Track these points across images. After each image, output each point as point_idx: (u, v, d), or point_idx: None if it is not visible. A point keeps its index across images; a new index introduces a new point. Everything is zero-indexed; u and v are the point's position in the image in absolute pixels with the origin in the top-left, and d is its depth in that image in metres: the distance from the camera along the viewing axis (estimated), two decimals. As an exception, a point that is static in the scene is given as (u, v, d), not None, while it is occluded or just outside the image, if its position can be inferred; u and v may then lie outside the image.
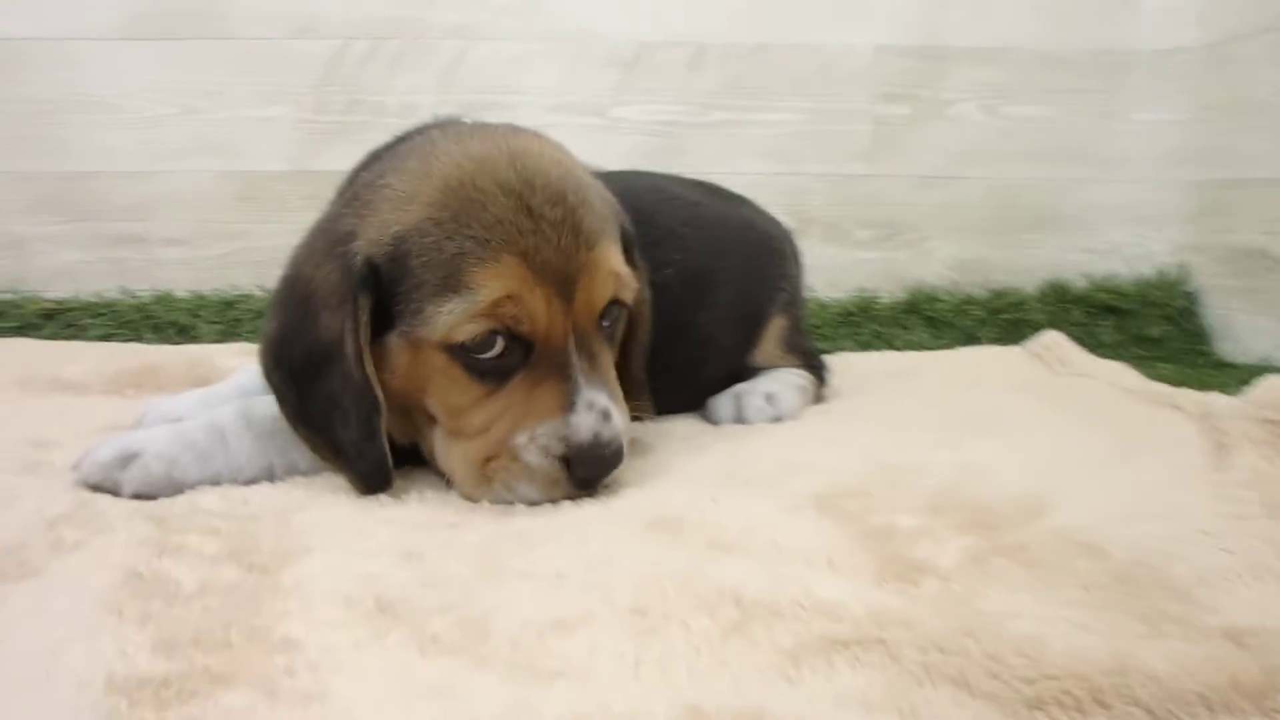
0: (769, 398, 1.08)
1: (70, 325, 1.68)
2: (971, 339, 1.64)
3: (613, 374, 0.80)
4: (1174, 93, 1.65)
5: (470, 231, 0.72)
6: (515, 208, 0.73)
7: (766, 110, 1.71)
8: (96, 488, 0.77)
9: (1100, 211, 1.73)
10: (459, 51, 1.69)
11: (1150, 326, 1.60)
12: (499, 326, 0.72)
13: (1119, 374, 1.26)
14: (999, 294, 1.70)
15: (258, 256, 1.76)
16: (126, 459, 0.77)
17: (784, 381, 1.12)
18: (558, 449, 0.73)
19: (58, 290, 1.75)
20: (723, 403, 1.09)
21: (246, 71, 1.70)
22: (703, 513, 0.70)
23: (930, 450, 0.89)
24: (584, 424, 0.73)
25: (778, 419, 1.07)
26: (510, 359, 0.74)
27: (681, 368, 1.07)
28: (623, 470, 0.78)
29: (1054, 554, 0.61)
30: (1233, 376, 1.34)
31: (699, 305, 1.07)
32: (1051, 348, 1.41)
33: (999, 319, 1.65)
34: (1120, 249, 1.73)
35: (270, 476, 0.82)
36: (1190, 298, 1.62)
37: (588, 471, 0.73)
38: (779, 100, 1.70)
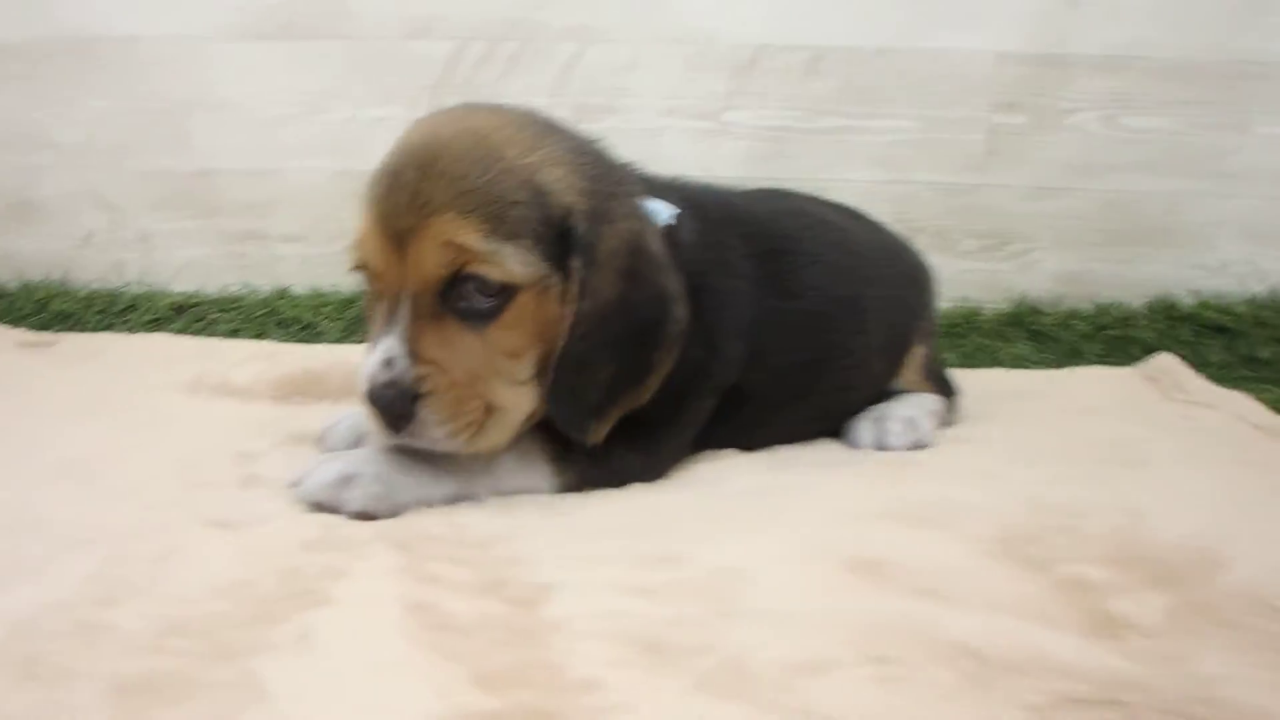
0: (909, 423, 1.15)
1: (199, 319, 1.79)
2: (1075, 353, 1.69)
3: (450, 344, 0.84)
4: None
5: (369, 182, 0.89)
6: (388, 169, 0.86)
7: (879, 117, 1.76)
8: (318, 506, 0.85)
9: (1214, 227, 1.76)
10: (574, 53, 1.75)
11: (1260, 348, 1.64)
12: (359, 262, 0.89)
13: (1240, 404, 1.32)
14: (1104, 309, 1.74)
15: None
16: (347, 479, 0.84)
17: (920, 406, 1.19)
18: (362, 387, 0.85)
19: (183, 284, 1.86)
20: (863, 427, 1.16)
21: (365, 72, 1.78)
22: (898, 555, 0.78)
23: (1084, 488, 0.96)
24: (369, 363, 0.84)
25: (918, 445, 1.14)
26: (375, 285, 0.89)
27: (830, 394, 1.14)
28: (770, 493, 0.92)
29: (1245, 614, 0.69)
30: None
31: (850, 331, 1.14)
32: (1168, 372, 1.47)
33: (1104, 334, 1.70)
34: (1231, 266, 1.76)
35: (474, 497, 0.90)
36: (1305, 318, 1.66)
37: (374, 410, 0.84)
38: (893, 107, 1.75)
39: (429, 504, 0.87)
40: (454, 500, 0.89)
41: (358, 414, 1.07)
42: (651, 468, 0.98)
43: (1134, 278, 1.77)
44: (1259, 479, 0.99)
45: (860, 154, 1.76)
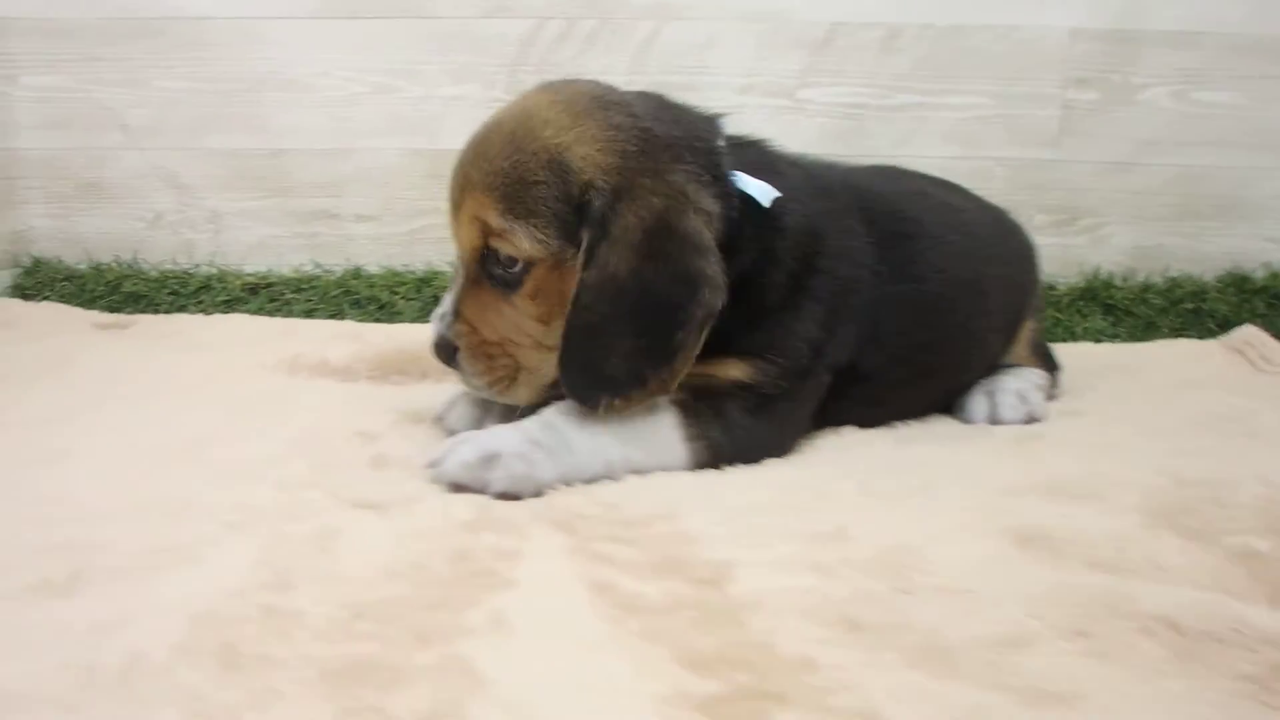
0: (1021, 397, 1.17)
1: (274, 300, 1.80)
2: (1151, 327, 1.71)
3: (485, 308, 0.96)
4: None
5: None
6: (462, 147, 0.97)
7: (954, 94, 1.76)
8: (460, 486, 0.86)
9: (1283, 200, 1.78)
10: (652, 31, 1.75)
11: (1335, 318, 1.67)
12: None
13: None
14: (1177, 283, 1.76)
15: (444, 233, 1.84)
16: (489, 459, 0.85)
17: (1028, 380, 1.21)
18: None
19: (254, 264, 1.87)
20: (977, 402, 1.18)
21: (441, 51, 1.77)
22: (1062, 528, 0.79)
23: (1214, 460, 0.98)
24: (434, 315, 0.99)
25: (1030, 419, 1.16)
26: None
27: (950, 373, 1.17)
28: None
29: None
30: None
31: (971, 312, 1.16)
32: (1253, 343, 1.49)
33: (1179, 308, 1.72)
34: (1302, 238, 1.78)
35: (610, 474, 0.91)
36: (1375, 291, 1.69)
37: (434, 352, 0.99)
38: (968, 83, 1.75)
39: (568, 482, 0.89)
40: (593, 479, 0.90)
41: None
42: (779, 443, 1.01)
43: (1205, 251, 1.79)
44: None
45: (935, 130, 1.77)
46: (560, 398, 0.95)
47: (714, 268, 0.91)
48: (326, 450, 0.99)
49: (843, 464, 0.99)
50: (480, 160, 0.93)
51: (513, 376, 0.96)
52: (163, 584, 0.68)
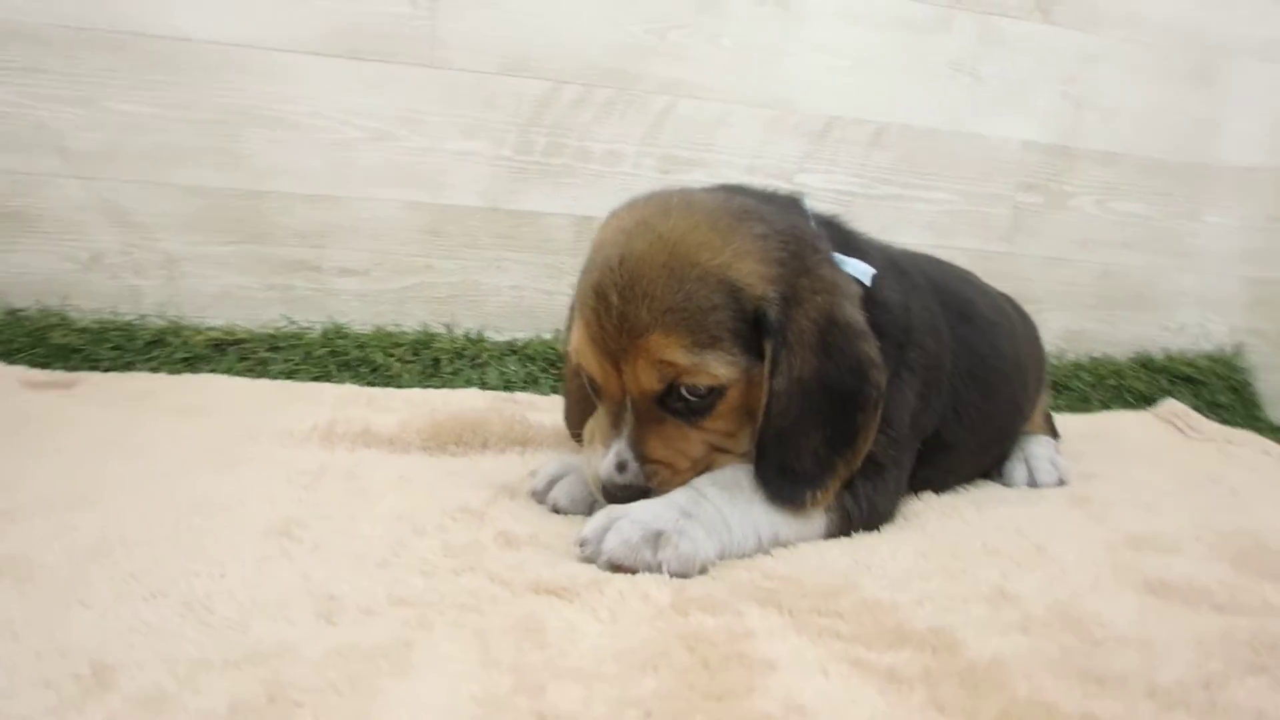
0: (1051, 462, 1.31)
1: (245, 358, 1.61)
2: (1084, 400, 1.99)
3: (671, 442, 0.94)
4: (1244, 202, 2.11)
5: (580, 294, 0.97)
6: (598, 284, 0.92)
7: (929, 189, 1.97)
8: (619, 567, 0.81)
9: (1176, 296, 2.15)
10: (667, 105, 1.81)
11: (1220, 395, 2.03)
12: (579, 368, 0.99)
13: (1256, 440, 1.64)
14: (1099, 363, 2.06)
15: (438, 293, 1.77)
16: (653, 538, 0.82)
17: (1050, 447, 1.36)
18: (592, 473, 0.96)
19: (215, 317, 1.67)
20: (1016, 467, 1.31)
21: (449, 102, 1.72)
22: (1179, 577, 0.89)
23: (1229, 515, 1.15)
24: (604, 465, 0.94)
25: (1060, 481, 1.29)
26: (596, 390, 0.99)
27: (1004, 440, 1.30)
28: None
29: None
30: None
31: (1018, 384, 1.29)
32: (1179, 414, 1.79)
33: (1105, 384, 2.01)
34: (1188, 328, 2.16)
35: (761, 548, 0.90)
36: (1247, 372, 2.07)
37: (603, 497, 0.95)
38: (940, 181, 1.97)
39: (723, 558, 0.87)
40: (746, 554, 0.90)
41: (566, 462, 1.05)
42: (891, 509, 1.05)
43: (1119, 336, 2.12)
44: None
45: (913, 220, 1.96)
46: None
47: (874, 348, 0.95)
48: (441, 531, 0.91)
49: (949, 529, 1.05)
50: (643, 300, 0.90)
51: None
52: (392, 704, 0.58)
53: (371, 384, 1.63)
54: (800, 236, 0.96)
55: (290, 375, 1.61)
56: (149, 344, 1.58)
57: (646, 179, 1.81)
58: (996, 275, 2.01)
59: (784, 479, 0.92)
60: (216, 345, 1.61)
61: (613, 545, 0.82)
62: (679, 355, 0.89)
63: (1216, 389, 2.04)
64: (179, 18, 1.59)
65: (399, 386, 1.63)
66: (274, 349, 1.63)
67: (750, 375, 0.92)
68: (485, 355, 1.71)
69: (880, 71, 1.92)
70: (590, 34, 1.76)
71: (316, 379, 1.61)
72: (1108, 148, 2.05)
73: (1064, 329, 2.09)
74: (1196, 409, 1.99)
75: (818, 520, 0.96)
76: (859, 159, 1.92)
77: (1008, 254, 2.03)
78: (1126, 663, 0.70)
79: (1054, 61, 2.01)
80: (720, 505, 0.88)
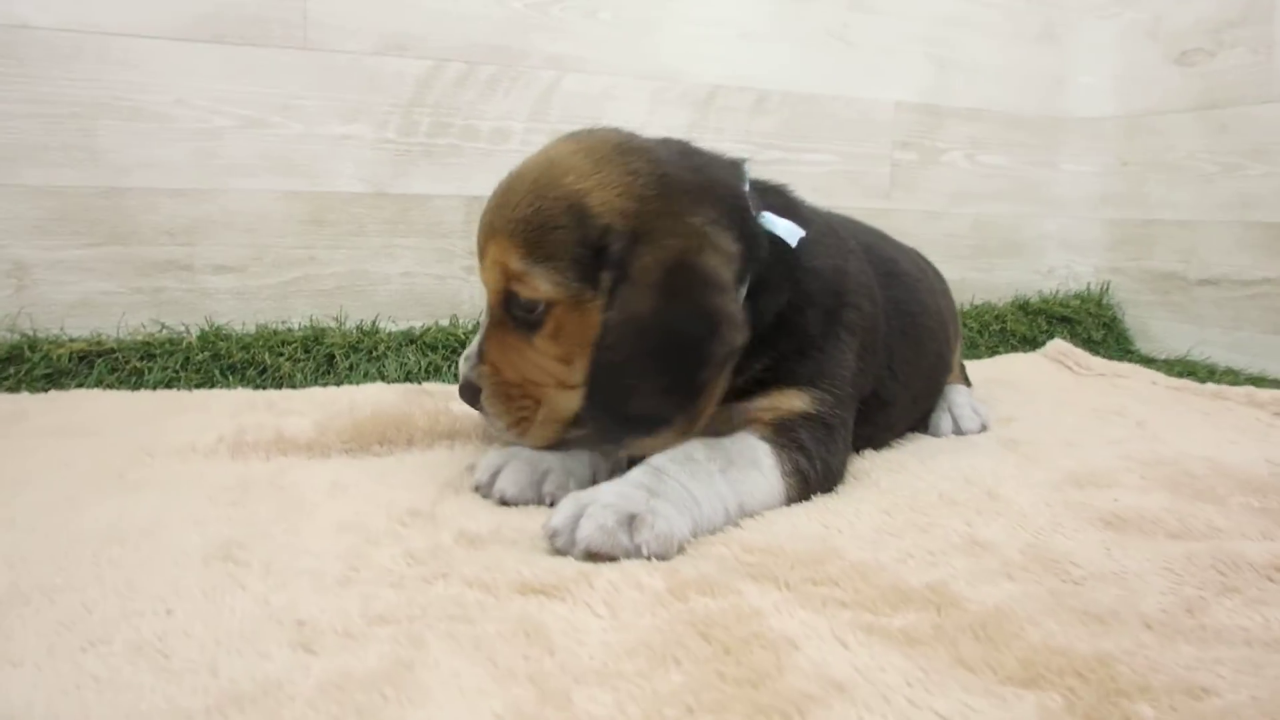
0: (973, 410, 1.38)
1: (116, 369, 1.50)
2: (973, 345, 2.10)
3: (507, 350, 1.00)
4: (1097, 150, 2.28)
5: None
6: (490, 193, 1.02)
7: (812, 151, 2.04)
8: (596, 555, 0.79)
9: (1042, 240, 2.31)
10: (553, 81, 1.80)
11: (1093, 331, 2.19)
12: None
13: (1142, 373, 1.78)
14: (980, 309, 2.19)
15: (324, 285, 1.71)
16: (628, 521, 0.81)
17: (968, 395, 1.42)
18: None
19: (76, 327, 1.55)
20: (941, 418, 1.36)
21: (325, 86, 1.65)
22: (1128, 510, 0.95)
23: (1146, 445, 1.24)
24: (462, 357, 1.06)
25: (984, 427, 1.36)
26: None
27: (934, 394, 1.35)
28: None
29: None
30: (1161, 368, 1.95)
31: (941, 338, 1.35)
32: (1066, 353, 1.92)
33: (989, 330, 2.14)
34: (1055, 271, 2.32)
35: (729, 520, 0.90)
36: (1115, 309, 2.25)
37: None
38: (822, 143, 2.05)
39: (696, 535, 0.87)
40: (716, 528, 0.89)
41: (505, 451, 1.02)
42: (841, 470, 1.06)
43: (996, 282, 2.25)
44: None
45: (797, 182, 1.99)
46: (571, 443, 0.99)
47: (733, 305, 0.93)
48: (396, 539, 0.86)
49: (900, 483, 1.07)
50: (503, 208, 0.97)
51: (531, 417, 1.00)
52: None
53: (261, 387, 1.55)
54: (684, 185, 0.96)
55: (169, 384, 1.50)
56: (3, 361, 1.45)
57: (535, 156, 1.79)
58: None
59: (612, 417, 0.92)
60: (82, 357, 1.49)
61: (588, 532, 0.79)
62: (512, 260, 0.95)
63: (1090, 326, 2.20)
64: (20, 3, 1.46)
65: (293, 387, 1.56)
66: (147, 357, 1.52)
67: (580, 301, 0.93)
68: (382, 347, 1.65)
69: (759, 40, 1.97)
70: (471, 10, 1.73)
71: (199, 386, 1.52)
72: (972, 104, 2.18)
73: (948, 279, 2.20)
74: (1075, 346, 2.14)
75: (778, 486, 0.96)
76: (743, 126, 1.97)
77: (887, 210, 2.12)
78: (1111, 598, 0.74)
79: (919, 25, 2.11)
80: (684, 481, 0.88)
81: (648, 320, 0.90)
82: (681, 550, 0.83)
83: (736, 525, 0.90)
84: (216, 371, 1.55)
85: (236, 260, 1.64)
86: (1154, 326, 2.20)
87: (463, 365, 1.04)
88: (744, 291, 0.99)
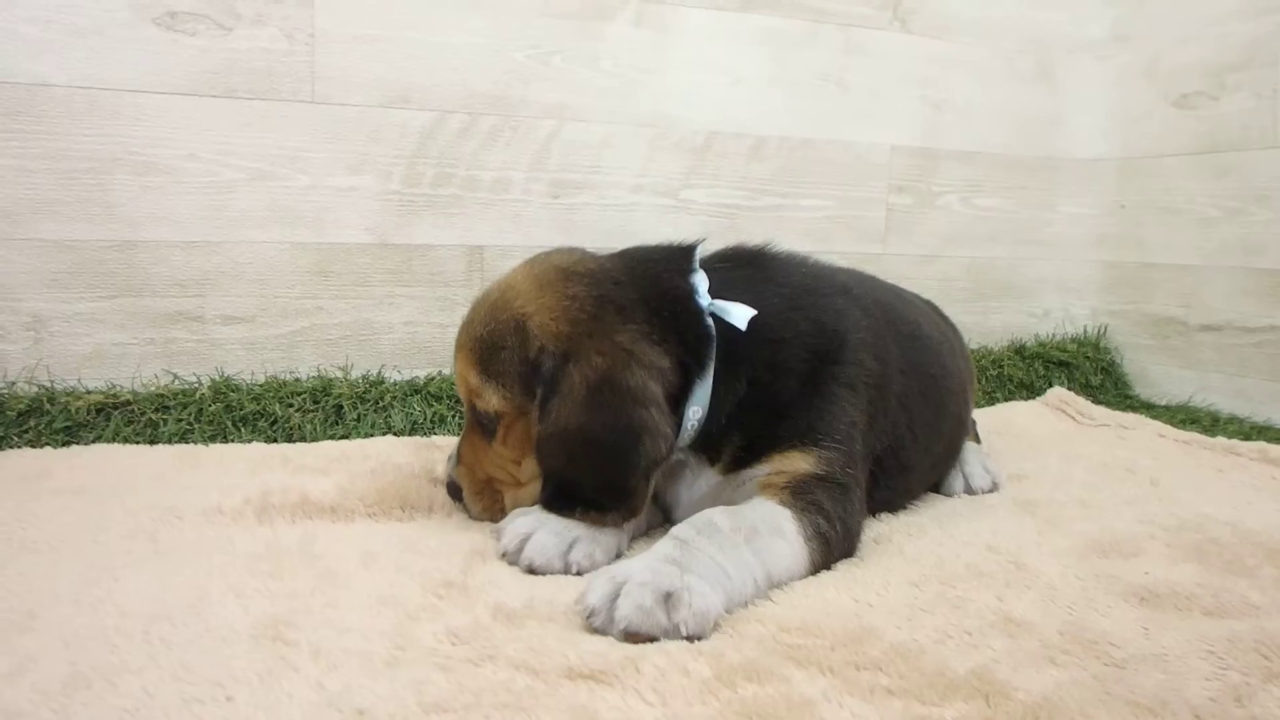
0: (984, 469, 1.40)
1: (131, 422, 1.56)
2: (968, 388, 2.15)
3: (476, 450, 1.15)
4: (1092, 191, 2.33)
5: None
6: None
7: (806, 196, 2.10)
8: (633, 636, 0.81)
9: (1038, 283, 2.36)
10: (552, 130, 1.86)
11: (1091, 376, 2.24)
12: None
13: (1146, 424, 1.80)
14: (978, 354, 2.24)
15: (330, 334, 1.77)
16: (665, 598, 0.82)
17: (979, 453, 1.45)
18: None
19: (90, 379, 1.62)
20: (955, 478, 1.39)
21: (332, 138, 1.72)
22: (1160, 584, 0.97)
23: (1163, 508, 1.27)
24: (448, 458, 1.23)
25: (994, 487, 1.38)
26: None
27: (951, 455, 1.38)
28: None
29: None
30: (1163, 415, 1.99)
31: (959, 400, 1.37)
32: (1069, 401, 1.96)
33: (987, 374, 2.18)
34: (1051, 313, 2.37)
35: (758, 593, 0.92)
36: (1113, 353, 2.29)
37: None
38: (817, 188, 2.11)
39: (729, 610, 0.88)
40: (745, 601, 0.91)
41: (538, 519, 1.05)
42: (860, 527, 1.09)
43: (991, 325, 2.31)
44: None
45: (793, 228, 2.08)
46: None
47: (655, 418, 1.00)
48: (434, 614, 0.88)
49: (923, 549, 1.10)
50: (469, 325, 1.13)
51: (501, 507, 1.15)
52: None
53: (272, 439, 1.61)
54: (617, 305, 1.06)
55: (183, 436, 1.57)
56: (22, 414, 1.52)
57: (536, 205, 1.86)
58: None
59: (560, 501, 1.05)
60: (100, 410, 1.56)
61: (626, 612, 0.81)
62: (471, 376, 1.10)
63: (1088, 371, 2.25)
64: (40, 62, 1.54)
65: (303, 438, 1.62)
66: (162, 409, 1.59)
67: (525, 413, 1.08)
68: (388, 397, 1.72)
69: (754, 86, 2.03)
70: (472, 62, 1.80)
71: (212, 438, 1.58)
72: (967, 147, 2.24)
73: (943, 321, 2.26)
74: (1073, 391, 2.18)
75: (802, 552, 0.99)
76: (740, 172, 2.03)
77: (882, 255, 2.18)
78: (1155, 684, 0.75)
79: (913, 68, 2.18)
80: (713, 554, 0.90)
81: (573, 433, 1.01)
82: (717, 627, 0.85)
83: (767, 598, 0.93)
84: (229, 423, 1.61)
85: (245, 311, 1.71)
86: (1153, 371, 2.24)
87: (446, 466, 1.23)
88: (706, 385, 1.07)
